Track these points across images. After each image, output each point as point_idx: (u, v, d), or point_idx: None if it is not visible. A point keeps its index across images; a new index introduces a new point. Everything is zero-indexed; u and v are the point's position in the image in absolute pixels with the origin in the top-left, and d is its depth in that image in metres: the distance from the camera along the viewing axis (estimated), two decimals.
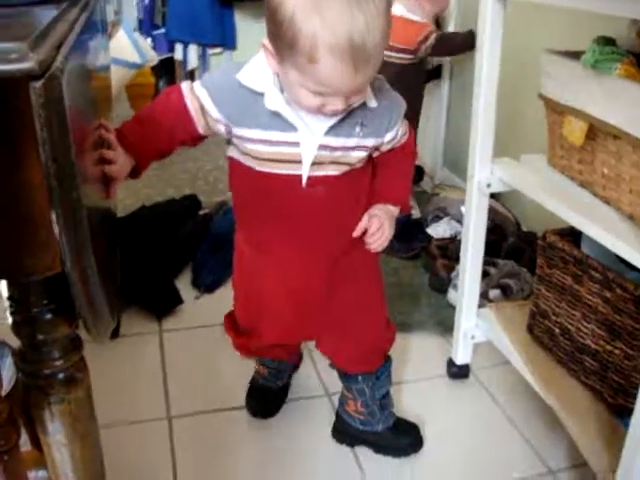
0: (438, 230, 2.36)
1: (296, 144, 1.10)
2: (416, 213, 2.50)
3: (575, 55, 1.30)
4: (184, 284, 2.15)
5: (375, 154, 1.23)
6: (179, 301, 2.05)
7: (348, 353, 1.40)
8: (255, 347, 1.44)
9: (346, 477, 1.46)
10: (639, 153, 1.15)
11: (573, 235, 1.42)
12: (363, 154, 1.17)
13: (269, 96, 1.08)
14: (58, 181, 0.60)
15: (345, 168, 1.16)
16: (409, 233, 2.37)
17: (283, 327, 1.34)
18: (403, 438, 1.51)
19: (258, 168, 1.14)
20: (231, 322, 1.45)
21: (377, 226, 1.22)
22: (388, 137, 1.19)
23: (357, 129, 1.12)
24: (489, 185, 1.49)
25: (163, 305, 2.03)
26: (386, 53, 0.99)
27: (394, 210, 1.27)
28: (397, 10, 2.37)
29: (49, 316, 0.80)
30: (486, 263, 1.75)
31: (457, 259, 1.70)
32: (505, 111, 1.53)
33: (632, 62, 1.22)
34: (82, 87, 0.83)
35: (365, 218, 1.22)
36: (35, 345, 0.83)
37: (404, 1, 2.40)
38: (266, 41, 1.02)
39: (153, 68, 3.44)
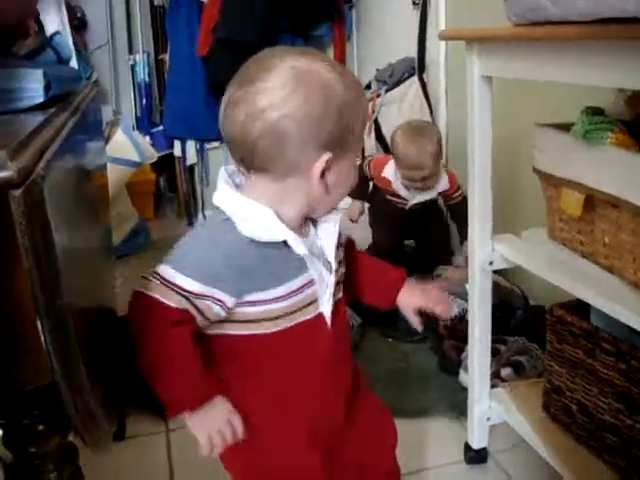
0: None
1: (310, 283, 0.97)
2: None
3: (565, 127, 1.30)
4: None
5: None
6: None
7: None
8: None
9: None
10: (638, 220, 1.14)
11: (581, 307, 1.39)
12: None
13: (293, 241, 0.93)
14: (42, 289, 0.59)
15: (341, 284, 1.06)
16: None
17: None
18: None
19: (272, 329, 0.97)
20: None
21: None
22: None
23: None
24: (491, 263, 1.47)
25: None
26: None
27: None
28: None
29: (41, 427, 0.78)
30: (495, 341, 1.71)
31: (466, 339, 1.66)
32: (503, 187, 1.52)
33: (623, 130, 1.22)
34: (73, 189, 0.83)
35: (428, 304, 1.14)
36: (27, 458, 0.80)
37: None
38: (326, 156, 0.89)
39: (153, 165, 3.50)
